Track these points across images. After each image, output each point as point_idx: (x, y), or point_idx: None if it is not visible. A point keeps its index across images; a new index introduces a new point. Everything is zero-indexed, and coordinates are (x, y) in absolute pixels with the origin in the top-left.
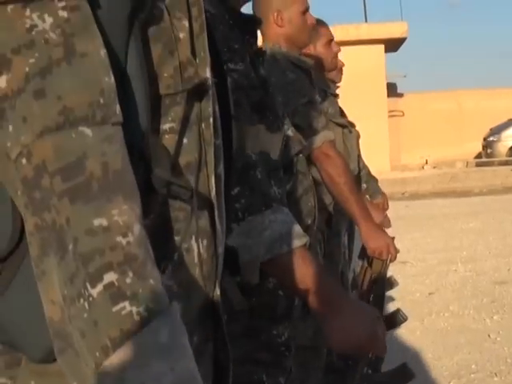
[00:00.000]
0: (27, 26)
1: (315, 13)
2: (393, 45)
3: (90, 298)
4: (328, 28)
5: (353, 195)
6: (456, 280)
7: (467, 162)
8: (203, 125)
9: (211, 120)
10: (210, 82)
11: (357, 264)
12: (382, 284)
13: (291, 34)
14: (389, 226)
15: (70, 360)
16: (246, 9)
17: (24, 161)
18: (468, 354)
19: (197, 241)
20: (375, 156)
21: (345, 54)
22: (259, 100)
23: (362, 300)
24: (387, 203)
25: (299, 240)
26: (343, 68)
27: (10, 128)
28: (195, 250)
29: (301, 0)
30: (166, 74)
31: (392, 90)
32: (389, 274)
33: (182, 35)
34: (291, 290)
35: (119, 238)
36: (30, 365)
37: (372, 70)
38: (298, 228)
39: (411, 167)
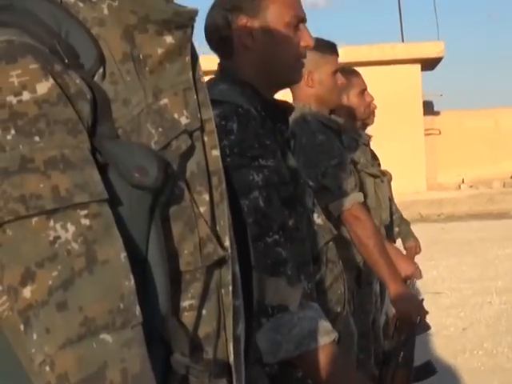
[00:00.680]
0: (51, 238)
1: (352, 33)
2: (429, 64)
3: None
4: (361, 78)
5: (382, 258)
6: (491, 314)
7: (504, 182)
8: (223, 291)
9: (230, 287)
10: (229, 253)
11: (389, 307)
12: (411, 345)
13: (322, 95)
14: (420, 277)
15: None
16: None
17: (47, 368)
18: None
19: None
20: (412, 175)
21: (381, 74)
22: (289, 195)
23: (392, 356)
24: (419, 247)
25: (328, 336)
26: (376, 110)
27: (35, 336)
28: None
29: (331, 61)
30: (186, 251)
31: (429, 109)
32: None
33: (202, 209)
34: None
35: None
36: None
37: (408, 89)
38: (326, 324)
39: (447, 186)
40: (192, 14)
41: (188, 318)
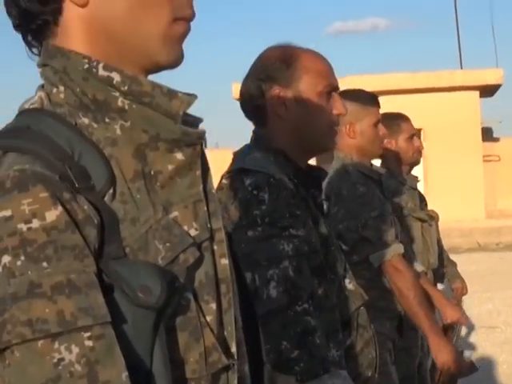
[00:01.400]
0: (55, 360)
1: (410, 58)
2: (488, 91)
3: None
4: (410, 123)
5: (421, 309)
6: None
7: None
8: None
9: None
10: (235, 359)
11: None
12: None
13: (363, 146)
14: (467, 323)
15: None
16: None
17: None
18: None
19: None
20: (470, 202)
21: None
22: (319, 264)
23: None
24: (466, 288)
25: None
26: (423, 151)
27: None
28: None
29: (373, 112)
30: (191, 359)
31: (488, 135)
32: (475, 339)
33: (209, 318)
34: None
35: None
36: None
37: (467, 116)
38: None
39: (507, 213)
40: (200, 134)
41: None
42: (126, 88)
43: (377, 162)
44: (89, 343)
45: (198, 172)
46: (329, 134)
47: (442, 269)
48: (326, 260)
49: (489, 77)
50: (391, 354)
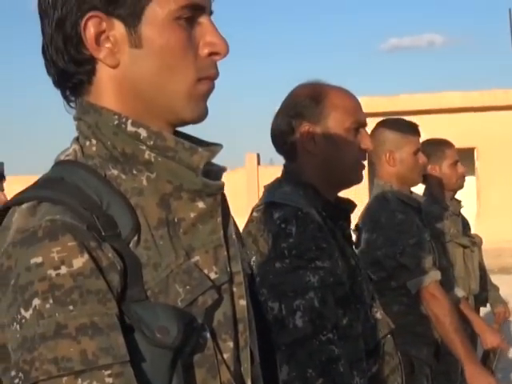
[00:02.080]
0: None
1: (465, 76)
2: None
3: None
4: (454, 149)
5: (457, 336)
6: None
7: None
8: None
9: None
10: None
11: None
12: None
13: (402, 174)
14: (507, 348)
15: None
16: None
17: None
18: None
19: None
20: None
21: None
22: (344, 295)
23: None
24: (508, 311)
25: None
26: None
27: None
28: None
29: (413, 141)
30: None
31: None
32: None
33: (226, 355)
34: None
35: None
36: None
37: None
38: None
39: None
40: (220, 186)
41: None
42: (151, 143)
43: (421, 188)
44: (109, 380)
45: (219, 219)
46: (356, 169)
47: (485, 293)
48: (352, 290)
49: None
50: (428, 379)
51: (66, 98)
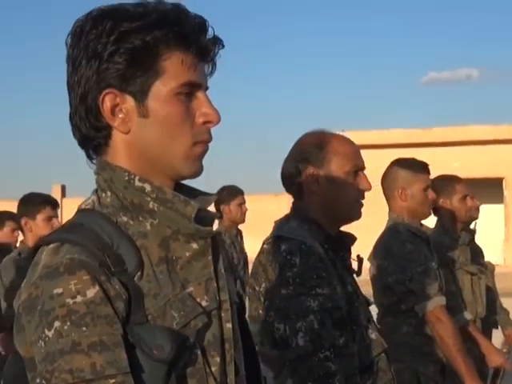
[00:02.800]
0: None
1: (495, 110)
2: None
3: None
4: (464, 184)
5: (460, 356)
6: None
7: None
8: None
9: None
10: None
11: None
12: None
13: (413, 208)
14: (509, 367)
15: None
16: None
17: None
18: None
19: None
20: None
21: None
22: (341, 318)
23: None
24: None
25: None
26: (479, 207)
27: None
28: None
29: (423, 179)
30: None
31: None
32: None
33: (213, 369)
34: None
35: None
36: None
37: None
38: None
39: None
40: (210, 231)
41: None
42: (154, 195)
43: (433, 220)
44: None
45: (210, 257)
46: (355, 207)
47: (494, 317)
48: (349, 314)
49: None
50: None
51: (88, 156)
